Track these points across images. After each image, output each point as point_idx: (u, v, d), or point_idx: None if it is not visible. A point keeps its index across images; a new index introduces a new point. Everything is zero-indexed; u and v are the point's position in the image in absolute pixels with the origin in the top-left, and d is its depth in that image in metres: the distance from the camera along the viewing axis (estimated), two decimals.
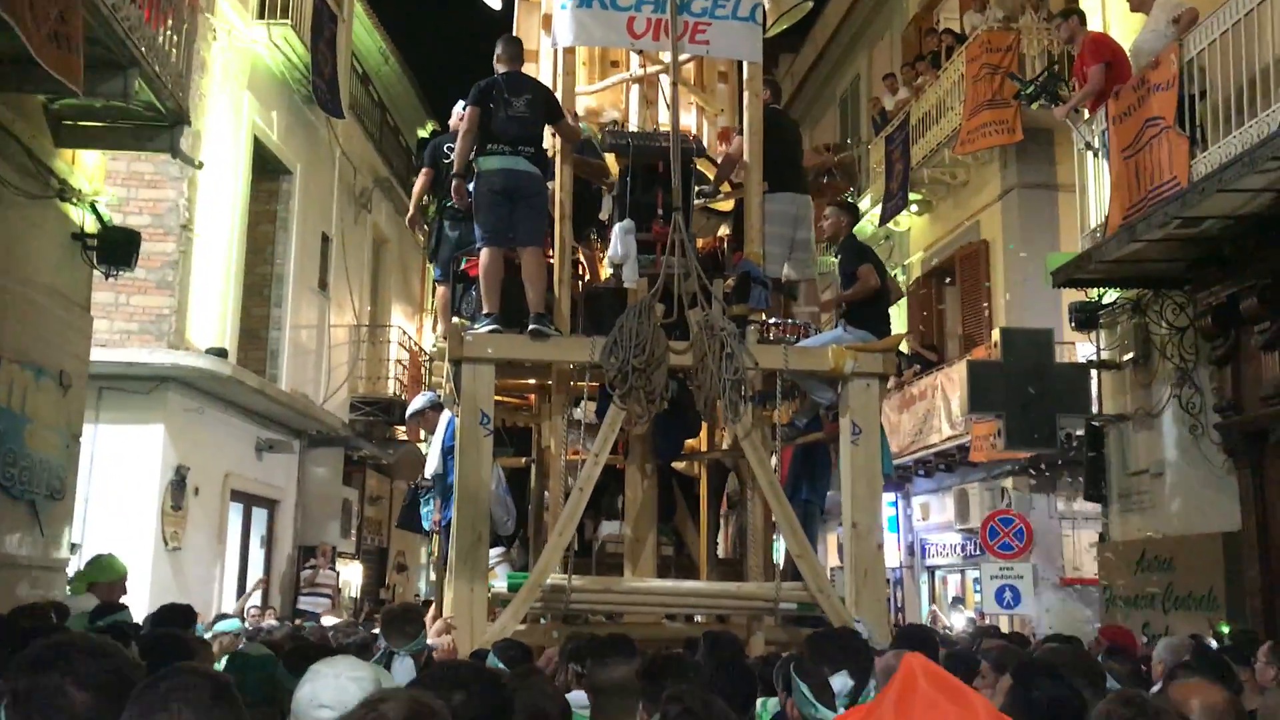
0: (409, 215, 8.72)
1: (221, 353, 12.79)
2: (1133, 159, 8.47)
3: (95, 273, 8.70)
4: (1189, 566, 9.06)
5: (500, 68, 7.44)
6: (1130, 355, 10.07)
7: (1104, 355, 10.51)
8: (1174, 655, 5.83)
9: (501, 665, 4.67)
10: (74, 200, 8.53)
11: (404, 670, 4.51)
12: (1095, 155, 9.36)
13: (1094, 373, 10.73)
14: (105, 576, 6.49)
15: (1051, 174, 15.11)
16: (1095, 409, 10.70)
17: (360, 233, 19.06)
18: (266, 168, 15.30)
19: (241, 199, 14.13)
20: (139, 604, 11.10)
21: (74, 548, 10.14)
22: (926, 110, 16.96)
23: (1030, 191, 15.17)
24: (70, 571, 9.99)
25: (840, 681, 2.94)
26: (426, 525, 8.77)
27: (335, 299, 17.64)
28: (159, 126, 7.23)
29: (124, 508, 11.99)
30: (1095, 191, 9.51)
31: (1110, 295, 10.26)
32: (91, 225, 8.00)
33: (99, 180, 8.16)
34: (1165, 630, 8.74)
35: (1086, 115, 9.68)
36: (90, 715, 2.17)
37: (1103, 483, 10.45)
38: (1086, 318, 10.42)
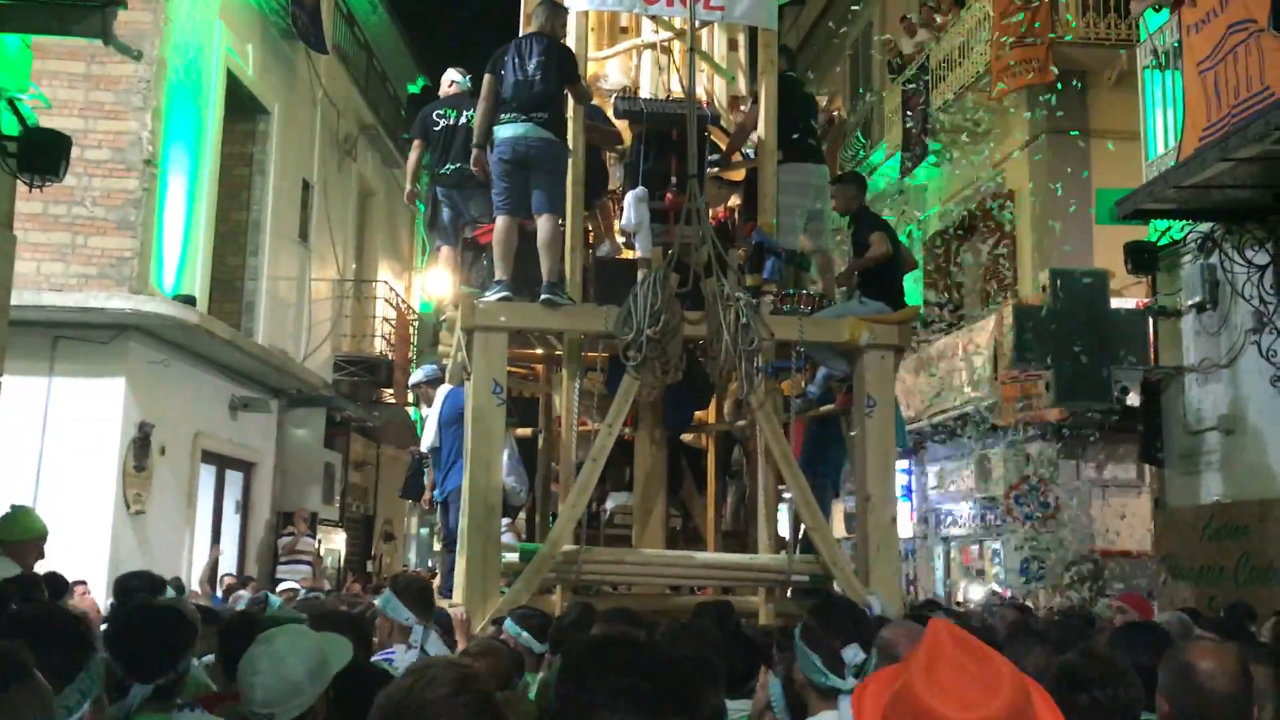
0: (406, 190, 8.54)
1: (189, 300, 11.76)
2: (1211, 72, 7.47)
3: (21, 186, 7.55)
4: (1270, 535, 8.10)
5: (526, 30, 7.29)
6: (1196, 299, 9.05)
7: (1161, 301, 9.48)
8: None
9: (524, 634, 4.82)
10: None
11: (431, 641, 4.47)
12: (1163, 71, 8.32)
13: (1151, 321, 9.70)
14: (15, 535, 5.47)
15: (1084, 118, 14.13)
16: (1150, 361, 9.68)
17: (344, 182, 17.97)
18: (241, 106, 14.21)
19: (213, 136, 13.06)
20: (98, 572, 10.20)
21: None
22: (947, 53, 15.94)
23: (1060, 137, 14.17)
24: None
25: (851, 653, 2.96)
26: (436, 494, 8.45)
27: (317, 251, 16.58)
28: (88, 6, 6.15)
29: (81, 467, 11.00)
30: (1159, 116, 8.47)
31: (1170, 237, 9.21)
32: (11, 126, 6.91)
33: (21, 73, 7.07)
34: None
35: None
36: None
37: (1158, 443, 9.47)
38: (1145, 259, 9.38)
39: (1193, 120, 7.63)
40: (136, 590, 5.98)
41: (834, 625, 3.06)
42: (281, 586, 9.87)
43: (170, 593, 8.38)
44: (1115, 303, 10.57)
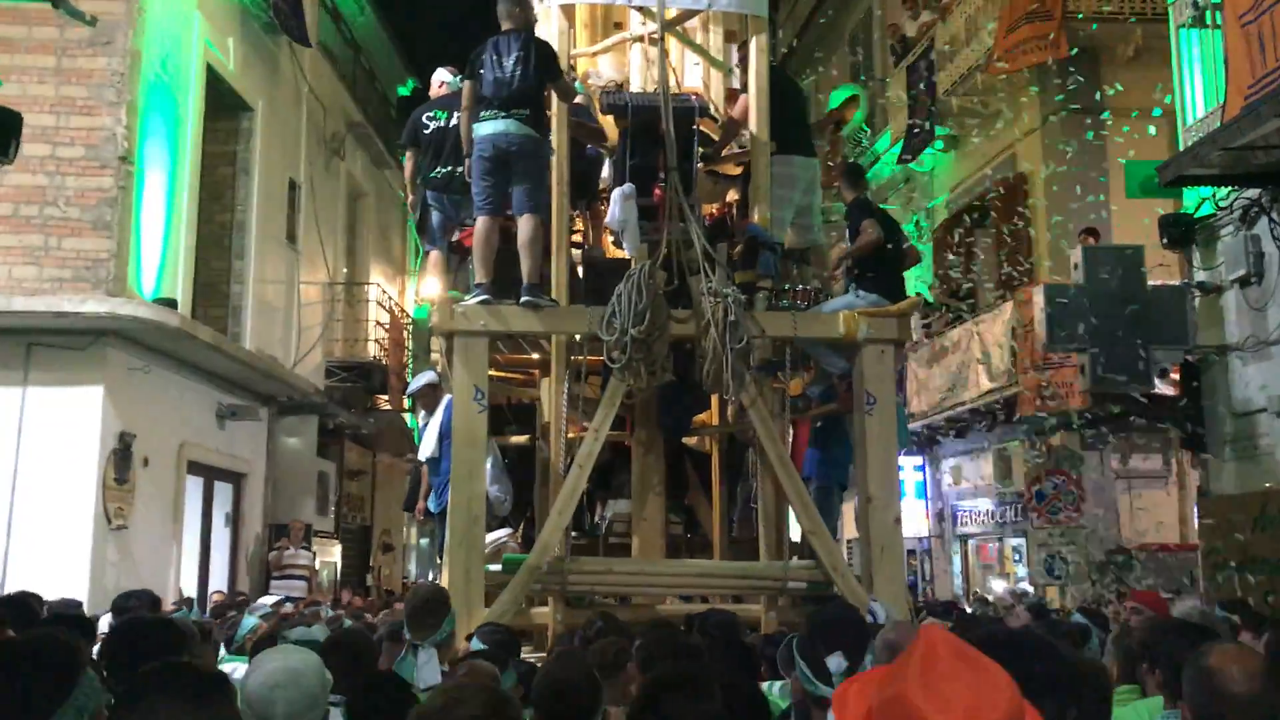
0: (409, 200, 8.35)
1: (170, 303, 11.18)
2: (1254, 25, 6.94)
3: None
4: None
5: (504, 26, 7.04)
6: (1239, 273, 8.48)
7: (1200, 277, 8.92)
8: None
9: (484, 648, 4.57)
10: None
11: (427, 662, 4.43)
12: (1200, 29, 7.78)
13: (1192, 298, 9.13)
14: None
15: (1098, 96, 13.60)
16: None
17: (333, 182, 17.41)
18: (223, 102, 13.66)
19: (192, 133, 12.50)
20: (78, 589, 9.61)
21: None
22: (954, 33, 15.42)
23: (1075, 116, 13.65)
24: None
25: (835, 662, 2.92)
26: (433, 506, 8.20)
27: (306, 254, 16.01)
28: None
29: (59, 480, 10.43)
30: (1193, 78, 7.92)
31: (1209, 207, 8.65)
32: None
33: None
34: None
35: None
36: None
37: (1199, 428, 8.90)
38: (1181, 232, 8.82)
39: (1236, 78, 7.12)
40: (135, 609, 5.83)
41: (820, 634, 3.05)
42: (261, 601, 9.30)
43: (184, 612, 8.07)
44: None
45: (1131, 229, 11.69)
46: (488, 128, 6.71)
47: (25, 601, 6.08)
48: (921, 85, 15.56)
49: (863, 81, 19.57)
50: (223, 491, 13.74)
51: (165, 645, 3.07)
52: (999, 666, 1.64)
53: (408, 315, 19.99)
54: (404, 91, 23.25)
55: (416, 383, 8.97)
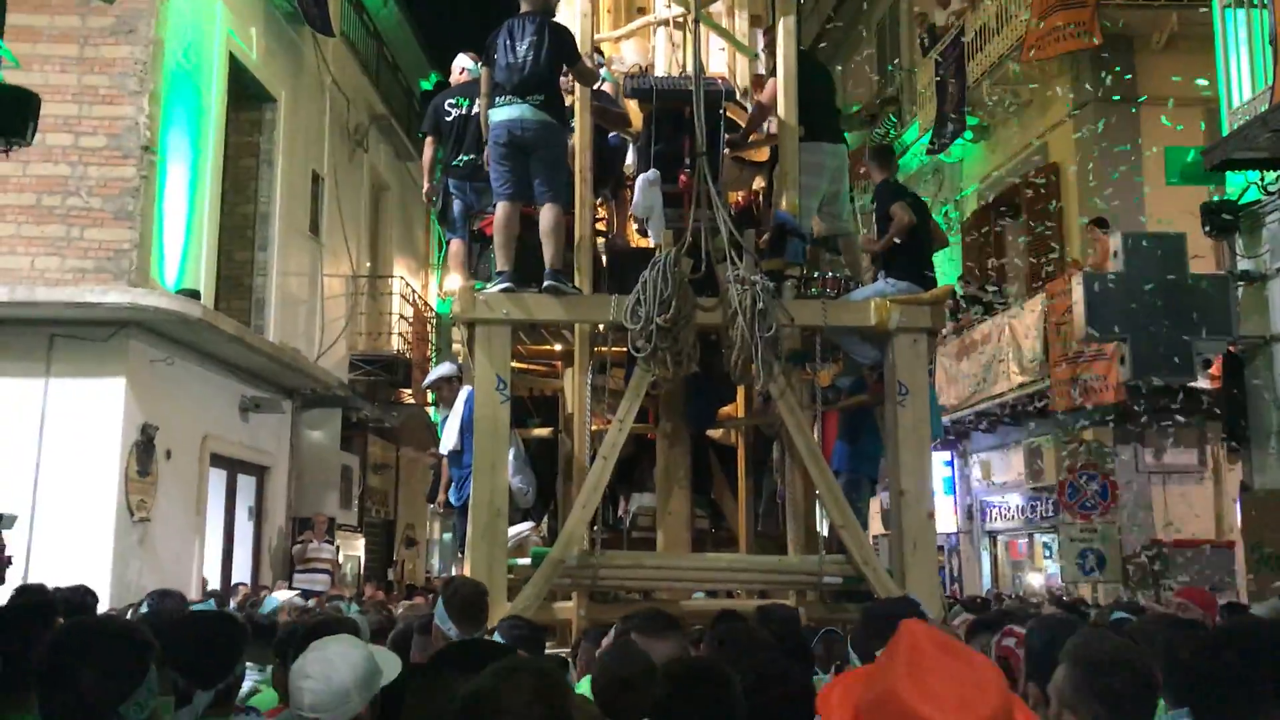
0: (425, 188, 8.21)
1: (193, 294, 11.10)
2: None
3: None
4: None
5: (521, 9, 6.89)
6: None
7: (1244, 265, 8.68)
8: None
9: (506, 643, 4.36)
10: None
11: None
12: (1247, 9, 7.55)
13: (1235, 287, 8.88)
14: None
15: (1132, 85, 13.35)
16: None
17: (356, 174, 17.32)
18: (246, 93, 13.60)
19: (215, 123, 12.43)
20: (100, 582, 9.53)
21: (4, 519, 8.48)
22: (985, 21, 15.18)
23: (1108, 105, 13.39)
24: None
25: None
26: (454, 500, 8.00)
27: (329, 246, 15.95)
28: None
29: (81, 472, 10.37)
30: (1241, 58, 7.69)
31: (1254, 193, 8.40)
32: None
33: None
34: None
35: None
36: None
37: (1242, 421, 8.67)
38: (1224, 220, 8.57)
39: None
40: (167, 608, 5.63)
41: (875, 627, 2.99)
42: (280, 594, 9.21)
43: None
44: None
45: (1164, 220, 11.47)
46: (502, 113, 6.57)
47: (81, 597, 5.98)
48: (951, 75, 15.32)
49: (891, 71, 19.32)
50: (246, 485, 13.69)
51: (230, 640, 3.11)
52: (984, 658, 1.64)
53: (431, 309, 19.92)
54: (426, 85, 23.13)
55: (433, 375, 8.82)
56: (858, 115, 18.66)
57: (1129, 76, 13.24)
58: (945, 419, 14.65)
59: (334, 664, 2.78)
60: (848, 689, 1.73)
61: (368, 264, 17.86)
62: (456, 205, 7.75)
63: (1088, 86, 13.55)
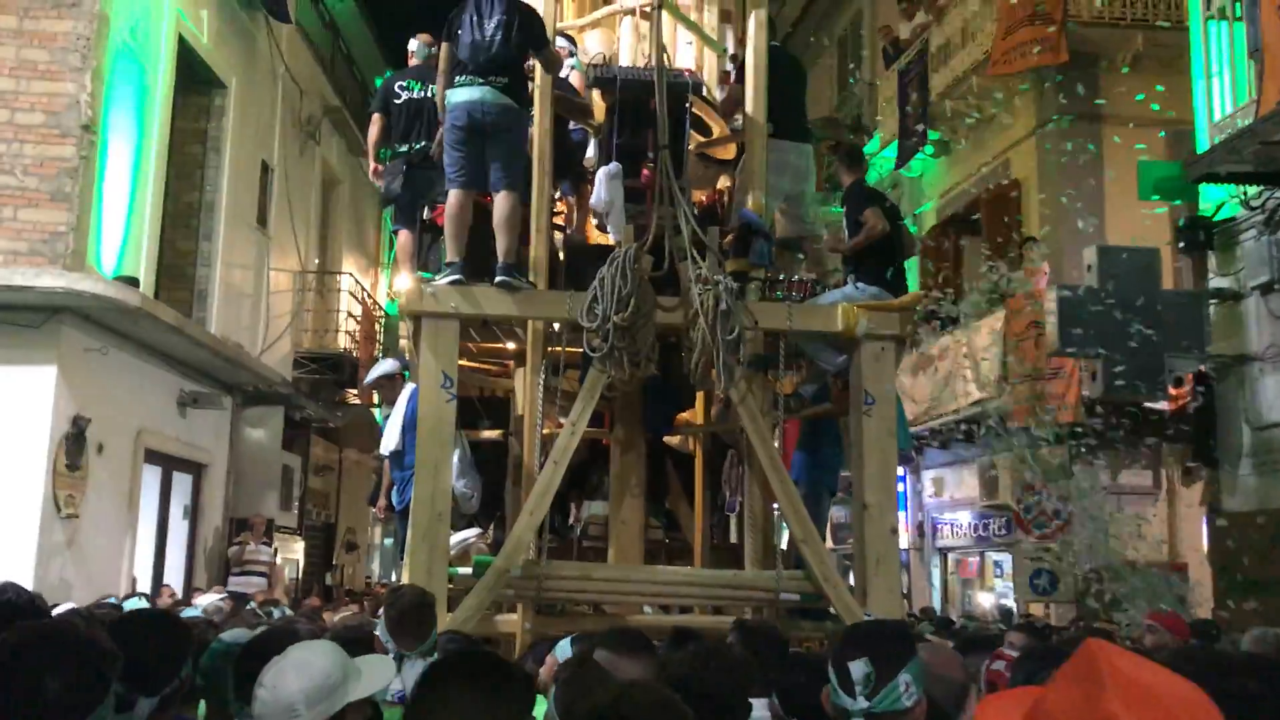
0: (370, 168, 7.97)
1: (131, 282, 10.65)
2: None
3: None
4: None
5: None
6: (1262, 279, 8.09)
7: (1217, 283, 8.55)
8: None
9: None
10: None
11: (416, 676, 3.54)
12: (1228, 20, 7.44)
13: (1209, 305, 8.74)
14: None
15: (1096, 103, 13.32)
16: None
17: (307, 167, 16.89)
18: (195, 77, 13.16)
19: (161, 106, 11.98)
20: (23, 580, 9.05)
21: None
22: (949, 36, 15.10)
23: (1071, 123, 13.35)
24: None
25: (857, 668, 2.65)
26: (395, 503, 7.71)
27: (277, 239, 15.50)
28: None
29: (5, 465, 9.91)
30: (1223, 70, 7.57)
31: (1222, 211, 8.30)
32: None
33: None
34: None
35: None
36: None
37: (1211, 441, 8.54)
38: (1198, 237, 8.44)
39: (1274, 68, 6.74)
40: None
41: (849, 640, 2.81)
42: (202, 599, 8.81)
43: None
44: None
45: (1127, 236, 11.40)
46: (463, 94, 6.25)
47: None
48: (914, 89, 15.23)
49: (852, 84, 19.25)
50: (182, 482, 13.20)
51: (174, 642, 2.88)
52: (1186, 679, 1.49)
53: (380, 308, 19.50)
54: (380, 81, 22.75)
55: (375, 372, 8.41)
56: (816, 124, 18.55)
57: (1093, 96, 13.21)
58: None
59: (286, 674, 2.60)
60: (1013, 710, 1.57)
61: (316, 259, 17.42)
62: (404, 194, 7.45)
63: (1054, 102, 13.50)
